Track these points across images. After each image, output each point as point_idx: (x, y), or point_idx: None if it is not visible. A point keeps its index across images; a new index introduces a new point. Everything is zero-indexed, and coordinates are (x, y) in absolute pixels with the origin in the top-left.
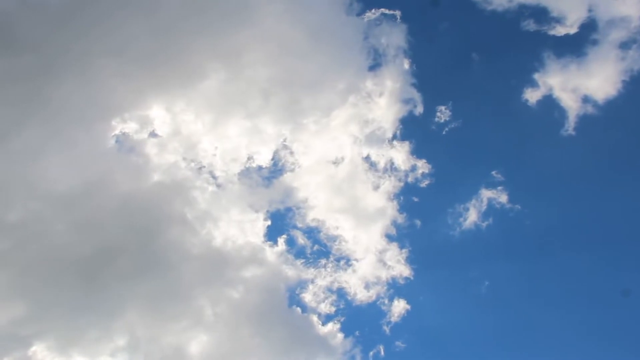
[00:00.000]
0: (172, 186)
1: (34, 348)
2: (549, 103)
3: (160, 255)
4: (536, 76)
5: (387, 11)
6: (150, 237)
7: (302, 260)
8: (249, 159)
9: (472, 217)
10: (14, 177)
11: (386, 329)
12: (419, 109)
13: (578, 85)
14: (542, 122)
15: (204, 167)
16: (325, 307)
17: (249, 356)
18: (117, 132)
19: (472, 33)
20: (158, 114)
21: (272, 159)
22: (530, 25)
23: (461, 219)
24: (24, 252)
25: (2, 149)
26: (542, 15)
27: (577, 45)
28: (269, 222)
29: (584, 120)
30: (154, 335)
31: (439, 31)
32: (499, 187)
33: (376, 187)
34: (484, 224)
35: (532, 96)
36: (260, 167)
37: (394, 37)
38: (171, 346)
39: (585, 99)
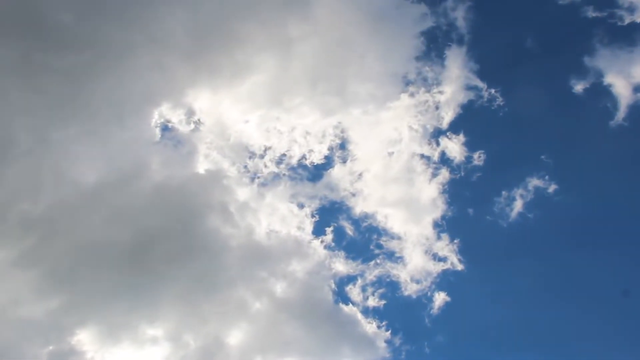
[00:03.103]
0: (218, 178)
1: (76, 337)
2: (600, 91)
3: (204, 245)
4: (588, 62)
5: None
6: (193, 228)
7: (351, 254)
8: (299, 151)
9: (519, 207)
10: (57, 170)
11: (432, 323)
12: (476, 97)
13: (631, 73)
14: (592, 111)
15: (251, 159)
16: (373, 302)
17: (292, 349)
18: (162, 121)
19: (529, 18)
20: (204, 105)
21: (324, 151)
22: (589, 12)
23: (508, 209)
24: (67, 241)
25: (45, 143)
26: (606, 2)
27: (630, 31)
28: (317, 216)
29: (635, 110)
30: (195, 324)
31: (496, 15)
32: (546, 177)
33: (428, 179)
34: (531, 215)
35: (584, 84)
36: (311, 160)
37: (451, 21)
38: (212, 336)
39: (638, 89)
